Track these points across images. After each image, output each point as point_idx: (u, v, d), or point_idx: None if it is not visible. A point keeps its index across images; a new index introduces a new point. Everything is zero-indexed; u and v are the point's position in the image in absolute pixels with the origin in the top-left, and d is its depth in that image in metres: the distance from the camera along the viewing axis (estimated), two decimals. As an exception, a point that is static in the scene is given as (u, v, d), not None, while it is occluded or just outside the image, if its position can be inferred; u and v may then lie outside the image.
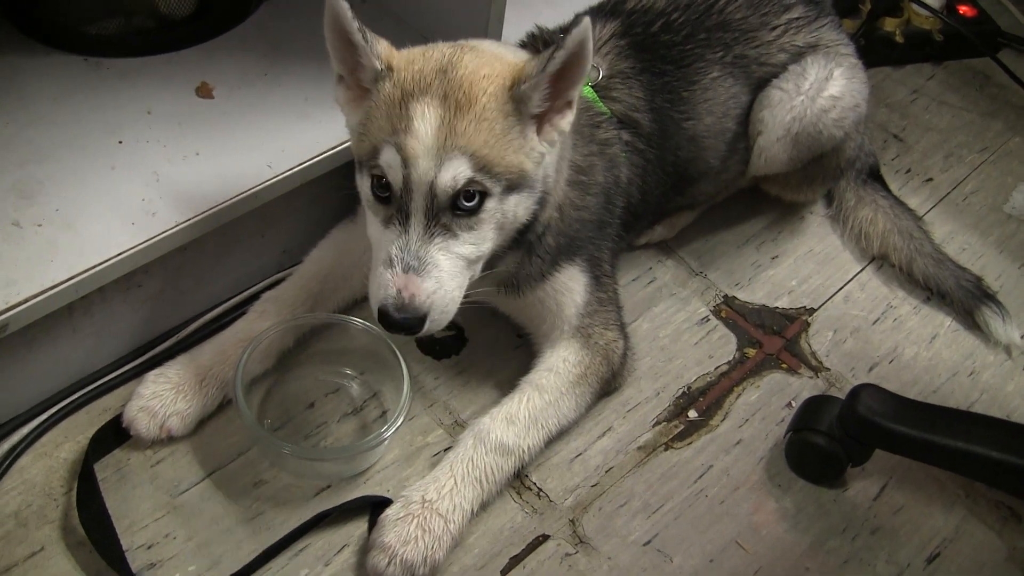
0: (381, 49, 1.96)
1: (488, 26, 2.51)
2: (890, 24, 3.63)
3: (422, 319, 1.95)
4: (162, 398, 2.21)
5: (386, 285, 1.94)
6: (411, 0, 2.73)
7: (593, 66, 2.36)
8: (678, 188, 2.64)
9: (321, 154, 2.39)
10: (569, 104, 1.99)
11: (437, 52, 1.98)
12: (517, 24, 2.57)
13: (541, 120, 1.98)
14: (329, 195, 2.52)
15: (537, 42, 2.47)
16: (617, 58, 2.42)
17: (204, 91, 2.49)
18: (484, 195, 1.95)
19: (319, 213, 2.56)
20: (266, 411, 2.33)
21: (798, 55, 2.65)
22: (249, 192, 2.30)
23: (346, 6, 1.90)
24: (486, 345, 2.54)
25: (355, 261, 2.46)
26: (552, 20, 2.57)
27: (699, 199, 2.84)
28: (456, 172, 1.90)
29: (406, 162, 1.89)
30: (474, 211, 1.96)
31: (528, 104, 1.94)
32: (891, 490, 2.40)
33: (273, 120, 2.46)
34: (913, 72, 3.67)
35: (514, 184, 1.98)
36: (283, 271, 2.53)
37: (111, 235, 2.16)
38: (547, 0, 2.94)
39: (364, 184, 2.02)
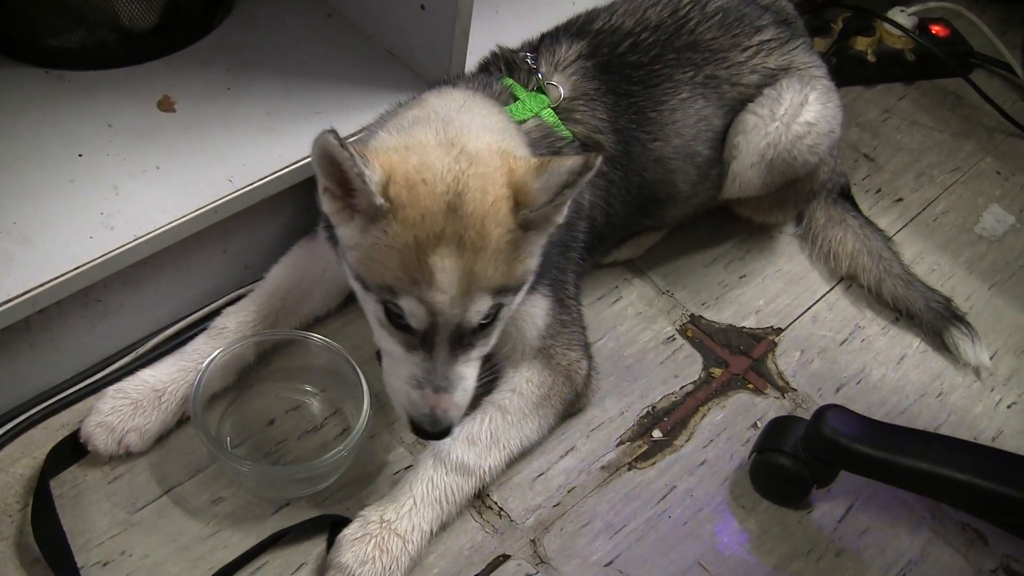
0: (379, 177, 1.85)
1: (453, 43, 2.50)
2: (862, 43, 3.61)
3: (453, 425, 2.02)
4: (121, 414, 2.19)
5: (419, 404, 1.98)
6: (377, 17, 2.71)
7: (553, 85, 2.35)
8: (645, 210, 2.62)
9: (283, 168, 2.37)
10: (565, 202, 1.96)
11: (438, 175, 1.88)
12: (482, 43, 2.53)
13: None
14: (291, 210, 2.51)
15: (499, 61, 2.43)
16: (582, 79, 2.40)
17: (166, 104, 2.46)
18: (500, 306, 1.98)
19: (281, 228, 2.54)
20: (226, 428, 2.30)
21: (770, 77, 2.63)
22: (209, 207, 2.27)
23: (338, 147, 1.79)
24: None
25: (316, 278, 2.44)
26: (518, 35, 2.55)
27: (667, 221, 2.82)
28: (481, 308, 1.91)
29: (431, 311, 1.88)
30: (492, 322, 1.99)
31: (534, 221, 1.92)
32: (856, 512, 2.39)
33: (235, 134, 2.43)
34: (885, 92, 3.66)
35: (523, 284, 2.01)
36: (244, 287, 2.51)
37: (69, 249, 2.13)
38: (514, 14, 2.95)
39: (374, 307, 1.99)
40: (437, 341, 1.93)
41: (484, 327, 1.97)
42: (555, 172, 1.85)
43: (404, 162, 1.89)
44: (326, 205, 1.95)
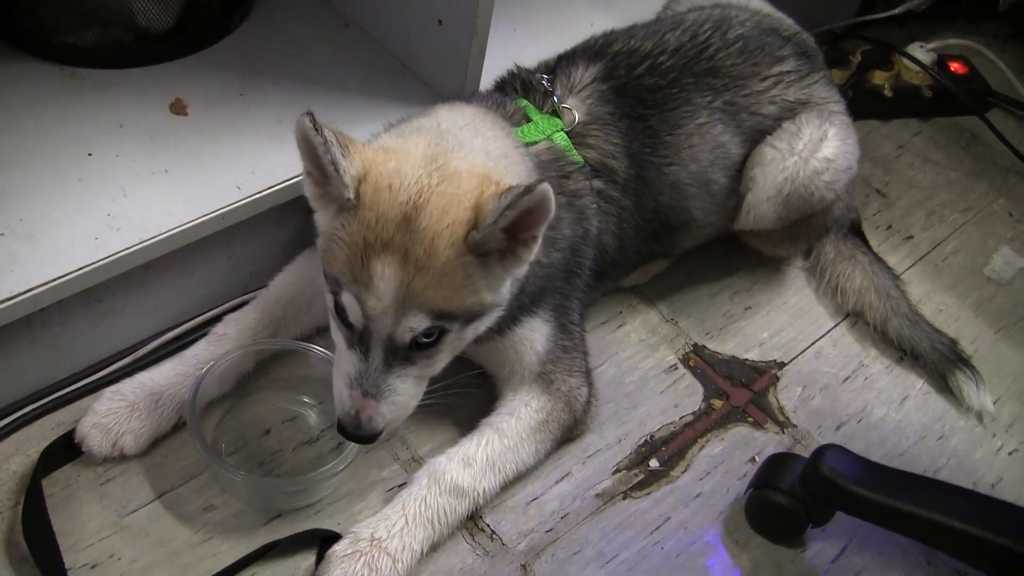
0: (356, 171, 1.88)
1: (469, 59, 2.49)
2: (879, 77, 3.61)
3: (378, 433, 2.01)
4: (116, 415, 2.18)
5: (346, 402, 2.00)
6: (393, 29, 2.70)
7: (568, 108, 2.34)
8: (658, 237, 2.60)
9: (292, 178, 2.36)
10: (534, 237, 1.92)
11: (404, 184, 1.89)
12: (498, 61, 2.54)
13: (505, 250, 1.92)
14: (298, 220, 2.49)
15: (516, 81, 2.43)
16: (596, 103, 2.39)
17: (178, 107, 2.46)
18: (443, 331, 1.96)
19: (287, 237, 2.53)
20: (221, 435, 2.29)
21: (789, 110, 2.62)
22: (216, 213, 2.26)
23: (312, 130, 1.82)
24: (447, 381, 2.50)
25: (319, 289, 2.40)
26: (535, 54, 2.56)
27: (677, 249, 2.80)
28: (413, 324, 1.90)
29: (364, 313, 1.89)
30: (432, 344, 1.97)
31: (485, 246, 1.89)
32: (851, 553, 2.38)
33: (246, 141, 2.43)
34: (900, 127, 3.65)
35: (474, 315, 1.99)
36: (248, 294, 2.51)
37: (73, 248, 2.13)
38: (530, 35, 2.94)
39: (327, 295, 2.01)
40: (372, 346, 1.94)
41: (425, 347, 1.97)
42: (507, 195, 1.83)
43: (383, 164, 1.91)
44: (307, 188, 1.98)
